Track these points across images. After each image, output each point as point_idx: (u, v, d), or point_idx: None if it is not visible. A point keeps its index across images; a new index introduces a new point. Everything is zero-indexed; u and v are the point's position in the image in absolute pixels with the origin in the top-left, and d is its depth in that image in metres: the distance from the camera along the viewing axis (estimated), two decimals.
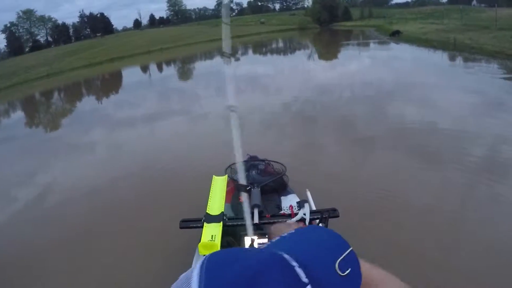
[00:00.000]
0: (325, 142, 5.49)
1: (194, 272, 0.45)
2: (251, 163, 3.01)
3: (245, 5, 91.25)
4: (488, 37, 17.05)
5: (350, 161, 4.73)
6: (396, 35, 23.44)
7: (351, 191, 3.79)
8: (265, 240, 1.74)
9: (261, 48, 27.79)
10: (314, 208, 2.13)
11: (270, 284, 0.42)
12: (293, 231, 0.59)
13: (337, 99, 8.48)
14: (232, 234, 2.02)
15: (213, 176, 2.42)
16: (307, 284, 0.44)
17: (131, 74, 20.35)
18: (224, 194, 2.28)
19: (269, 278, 0.43)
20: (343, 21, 49.24)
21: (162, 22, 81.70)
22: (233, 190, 2.68)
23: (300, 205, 2.06)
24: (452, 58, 14.43)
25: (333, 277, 0.47)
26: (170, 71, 20.07)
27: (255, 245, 1.70)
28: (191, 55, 26.33)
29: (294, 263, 0.47)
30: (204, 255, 1.40)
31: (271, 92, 10.46)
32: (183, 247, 2.64)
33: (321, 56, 19.45)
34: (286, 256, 0.48)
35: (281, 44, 30.55)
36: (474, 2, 51.58)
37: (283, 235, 0.58)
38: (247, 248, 0.69)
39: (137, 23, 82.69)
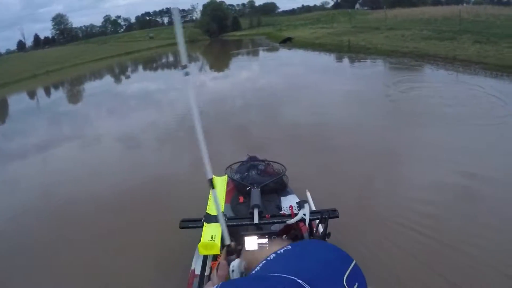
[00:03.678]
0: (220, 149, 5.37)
1: None
2: (251, 163, 3.04)
3: (133, 20, 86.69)
4: (381, 37, 16.72)
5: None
6: (288, 42, 22.40)
7: None
8: (265, 240, 1.85)
9: (151, 63, 26.57)
10: (314, 208, 2.23)
11: None
12: (289, 247, 0.60)
13: (229, 109, 8.54)
14: (232, 234, 1.74)
15: (213, 176, 1.89)
16: None
17: (18, 102, 18.29)
18: (224, 194, 2.32)
19: None
20: (232, 31, 49.68)
21: (48, 42, 73.72)
22: (233, 190, 2.75)
23: (300, 205, 2.04)
24: (349, 60, 14.22)
25: None
26: (59, 94, 18.31)
27: (255, 246, 1.80)
28: (79, 76, 24.19)
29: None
30: (204, 255, 1.99)
31: (163, 106, 10.36)
32: None
33: (213, 67, 19.22)
34: (299, 281, 0.49)
35: (171, 58, 29.53)
36: (357, 6, 54.82)
37: (278, 251, 0.58)
38: (258, 278, 0.59)
39: (21, 45, 72.94)
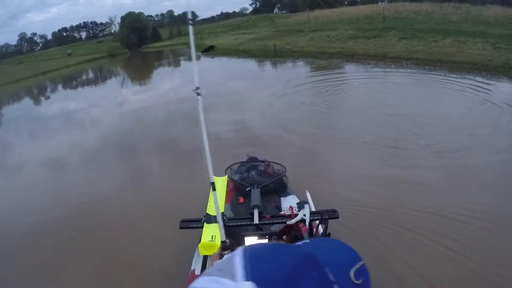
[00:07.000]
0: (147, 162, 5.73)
1: (236, 258, 0.50)
2: (251, 163, 3.04)
3: (50, 37, 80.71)
4: (306, 39, 16.12)
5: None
6: (211, 50, 21.22)
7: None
8: (265, 241, 1.85)
9: (70, 81, 25.07)
10: (313, 209, 2.19)
11: (306, 278, 0.48)
12: (308, 241, 0.63)
13: (153, 121, 8.57)
14: (232, 234, 1.85)
15: (213, 176, 2.11)
16: (334, 283, 0.49)
17: None
18: (224, 195, 2.35)
19: (305, 273, 0.48)
20: (152, 42, 47.81)
21: None
22: (233, 190, 2.77)
23: (300, 206, 2.03)
24: (278, 65, 13.58)
25: (349, 283, 0.51)
26: None
27: None
28: None
29: (322, 263, 0.51)
30: (204, 255, 1.96)
31: (86, 126, 9.98)
32: None
33: (135, 80, 18.73)
34: (315, 255, 0.53)
35: (91, 75, 28.39)
36: (276, 10, 55.64)
37: (297, 244, 0.61)
38: (282, 245, 0.68)
39: None
